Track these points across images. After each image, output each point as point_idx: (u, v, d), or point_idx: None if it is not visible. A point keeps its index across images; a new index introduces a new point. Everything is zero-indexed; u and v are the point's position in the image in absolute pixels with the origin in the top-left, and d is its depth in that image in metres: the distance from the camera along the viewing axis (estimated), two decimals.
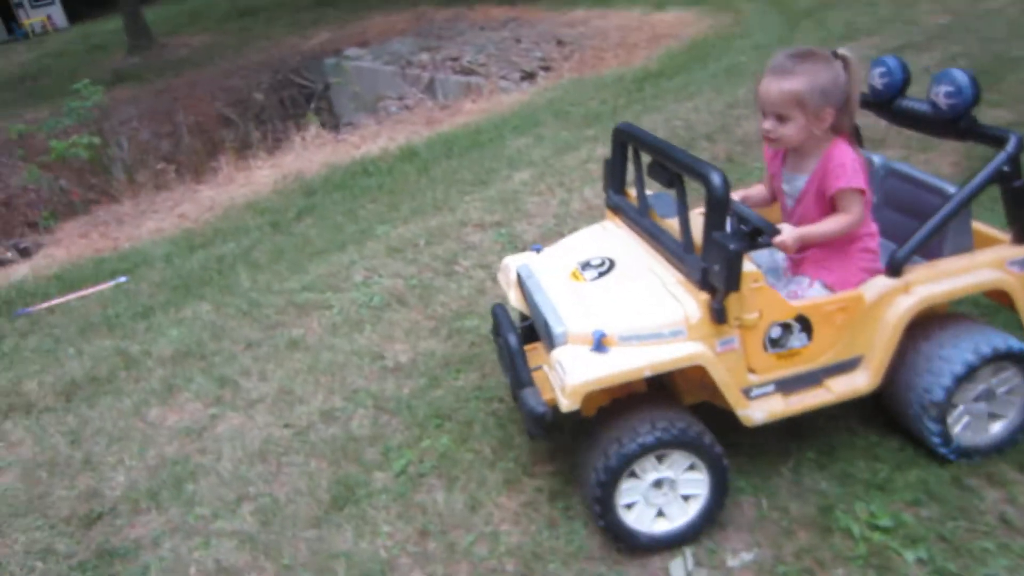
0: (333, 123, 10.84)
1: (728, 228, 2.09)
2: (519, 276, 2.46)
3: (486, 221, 4.37)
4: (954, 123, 2.21)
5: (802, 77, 2.10)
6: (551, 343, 2.12)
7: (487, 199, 4.69)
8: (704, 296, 2.01)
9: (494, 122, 6.23)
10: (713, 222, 1.93)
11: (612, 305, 2.11)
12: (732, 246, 1.87)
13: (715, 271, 1.93)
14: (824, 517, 2.14)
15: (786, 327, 2.10)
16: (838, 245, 2.22)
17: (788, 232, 2.11)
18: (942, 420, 2.16)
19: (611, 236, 2.47)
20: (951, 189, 2.24)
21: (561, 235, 3.90)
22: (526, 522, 2.28)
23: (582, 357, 2.01)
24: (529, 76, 8.96)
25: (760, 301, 2.02)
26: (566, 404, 1.94)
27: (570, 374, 1.96)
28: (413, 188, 5.11)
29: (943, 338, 2.19)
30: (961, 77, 2.15)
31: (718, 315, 2.00)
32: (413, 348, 3.24)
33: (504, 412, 2.75)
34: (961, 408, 2.19)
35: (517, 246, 3.98)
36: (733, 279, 1.92)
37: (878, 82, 2.44)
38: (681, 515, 2.10)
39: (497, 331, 2.42)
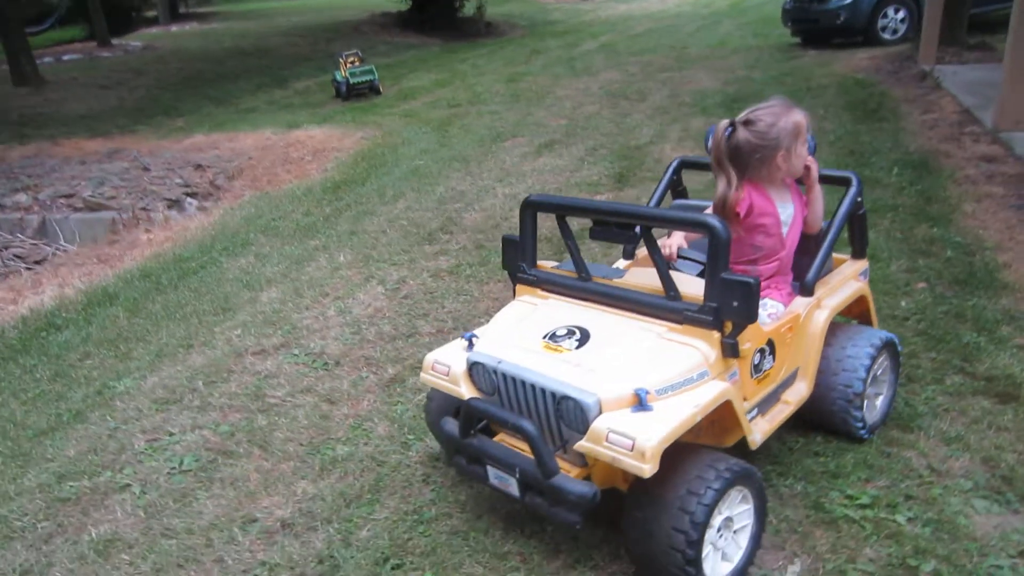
0: None
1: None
2: (480, 365, 2.22)
3: (265, 346, 3.81)
4: None
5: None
6: (577, 418, 1.97)
7: (244, 324, 4.09)
8: (716, 335, 2.07)
9: (193, 248, 5.49)
10: (719, 264, 2.03)
11: (626, 365, 2.05)
12: (751, 281, 1.99)
13: (734, 307, 2.02)
14: (820, 512, 2.31)
15: (762, 352, 2.26)
16: (783, 270, 2.49)
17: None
18: (861, 407, 2.52)
19: (553, 308, 2.38)
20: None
21: (369, 342, 3.65)
22: None
23: (635, 419, 1.91)
24: (175, 203, 8.16)
25: (747, 331, 2.14)
26: (648, 468, 1.83)
27: (642, 436, 1.85)
28: (137, 331, 4.21)
29: (842, 342, 2.57)
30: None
31: (732, 350, 2.08)
32: (287, 499, 2.64)
33: (468, 520, 2.40)
34: (870, 393, 2.60)
35: (329, 364, 3.55)
36: (755, 312, 2.03)
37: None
38: (737, 551, 2.07)
39: (467, 430, 2.16)
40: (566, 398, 1.99)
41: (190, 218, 6.56)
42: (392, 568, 2.26)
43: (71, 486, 2.87)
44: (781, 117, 2.38)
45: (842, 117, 7.55)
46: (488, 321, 2.52)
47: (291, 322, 4.05)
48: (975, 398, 2.80)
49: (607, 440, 1.90)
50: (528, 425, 2.01)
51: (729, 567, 2.04)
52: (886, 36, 12.49)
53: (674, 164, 3.07)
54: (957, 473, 2.43)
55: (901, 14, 12.56)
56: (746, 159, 2.37)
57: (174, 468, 2.90)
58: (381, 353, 3.60)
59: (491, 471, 2.17)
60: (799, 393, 2.45)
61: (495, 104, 10.15)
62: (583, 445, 1.96)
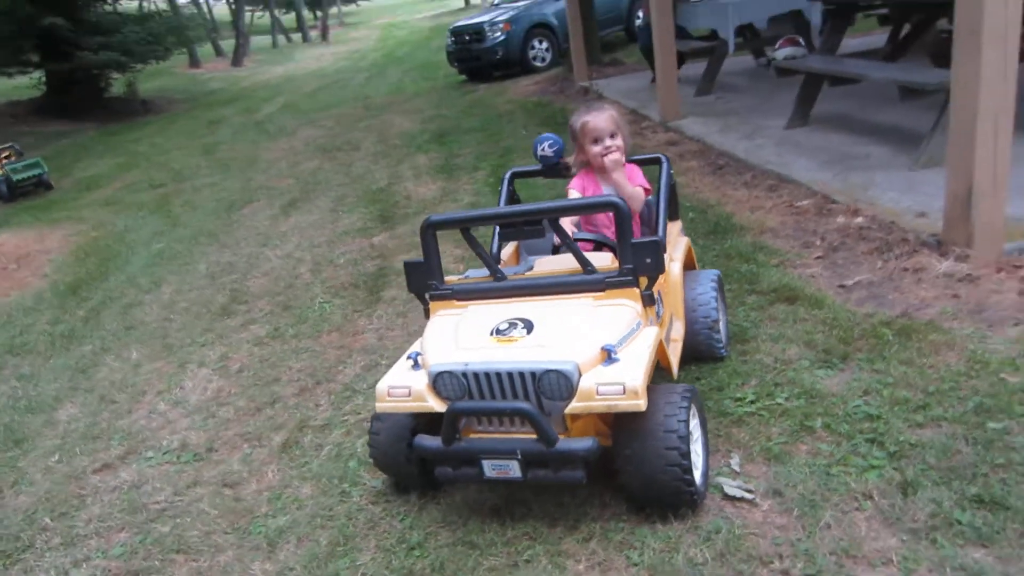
0: None
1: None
2: (446, 373, 2.33)
3: (106, 460, 3.36)
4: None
5: (610, 109, 2.96)
6: (561, 387, 2.22)
7: (58, 448, 3.54)
8: (637, 291, 2.45)
9: None
10: (627, 233, 2.42)
11: (581, 333, 2.32)
12: (657, 239, 2.44)
13: (647, 264, 2.41)
14: (726, 417, 2.81)
15: (657, 301, 2.66)
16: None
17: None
18: (719, 331, 3.10)
19: (481, 311, 2.55)
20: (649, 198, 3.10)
21: (232, 421, 3.47)
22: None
23: (612, 370, 2.23)
24: None
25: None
26: (643, 403, 2.16)
27: (628, 379, 2.17)
28: None
29: (690, 284, 3.11)
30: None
31: (651, 299, 2.49)
32: None
33: (458, 527, 2.46)
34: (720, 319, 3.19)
35: (200, 453, 3.27)
36: (663, 263, 2.46)
37: (548, 151, 3.19)
38: (698, 459, 2.43)
39: (452, 436, 2.30)
40: (547, 372, 2.21)
41: None
42: None
43: None
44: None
45: (543, 131, 8.58)
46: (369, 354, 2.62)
47: (119, 430, 3.62)
48: (774, 306, 3.56)
49: (598, 393, 2.16)
50: (526, 405, 2.20)
51: (699, 472, 2.42)
52: (537, 64, 14.32)
53: (508, 176, 3.41)
54: (795, 358, 3.11)
55: (545, 45, 14.50)
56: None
57: None
58: (254, 427, 3.41)
59: (486, 465, 2.29)
60: (679, 331, 2.95)
61: (206, 177, 9.67)
62: (575, 407, 2.20)
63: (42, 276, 6.44)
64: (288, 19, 48.24)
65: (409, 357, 2.51)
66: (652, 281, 2.47)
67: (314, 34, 41.31)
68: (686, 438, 2.25)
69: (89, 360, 4.50)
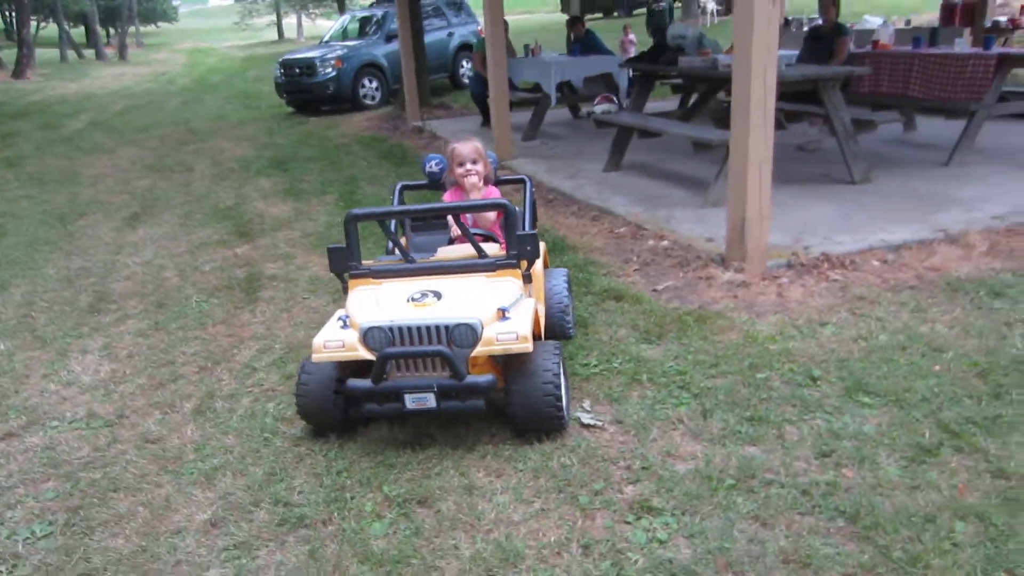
0: None
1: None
2: (375, 328, 2.91)
3: (10, 429, 3.50)
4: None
5: (476, 142, 3.70)
6: (469, 337, 2.90)
7: None
8: (519, 271, 3.23)
9: None
10: (513, 227, 3.19)
11: (480, 300, 3.02)
12: (535, 232, 3.25)
13: (528, 251, 3.16)
14: (579, 376, 3.64)
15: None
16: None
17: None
18: (569, 315, 3.95)
19: (396, 285, 3.17)
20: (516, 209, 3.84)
21: (134, 395, 3.74)
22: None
23: (507, 324, 2.93)
24: None
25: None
26: (530, 346, 2.89)
27: (520, 328, 2.90)
28: None
29: (548, 277, 3.90)
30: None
31: (529, 278, 3.30)
32: (203, 505, 2.84)
33: (383, 450, 3.03)
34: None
35: (112, 420, 3.53)
36: (538, 251, 3.23)
37: (435, 168, 3.97)
38: (565, 398, 3.17)
39: (380, 377, 2.92)
40: (459, 325, 2.88)
41: None
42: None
43: None
44: (447, 145, 3.78)
45: (383, 164, 9.25)
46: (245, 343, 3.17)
47: (11, 407, 3.74)
48: (605, 302, 4.50)
49: (497, 340, 2.86)
50: (442, 347, 2.87)
51: (565, 405, 3.14)
52: (367, 102, 14.99)
53: (398, 188, 4.08)
54: (624, 337, 4.03)
55: (375, 83, 15.21)
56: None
57: (30, 538, 2.75)
58: (161, 398, 3.72)
59: (408, 398, 2.91)
60: (542, 312, 3.74)
61: (18, 190, 9.22)
62: (480, 351, 2.88)
63: None
64: (77, 33, 44.87)
65: (339, 319, 3.07)
66: (531, 264, 3.26)
67: (110, 52, 38.89)
68: (559, 375, 3.03)
69: None
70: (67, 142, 12.97)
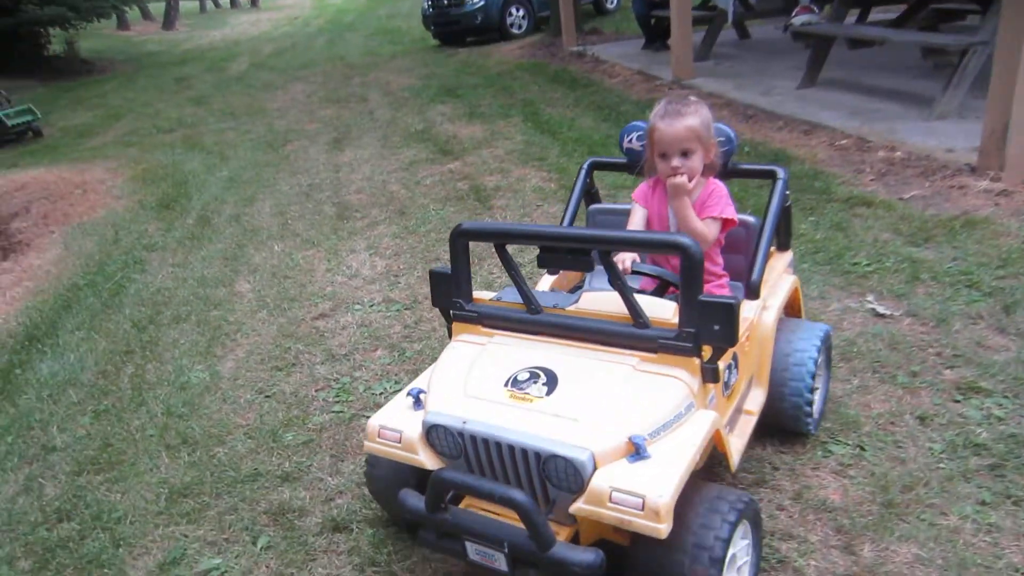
0: None
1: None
2: (440, 427, 1.95)
3: (322, 310, 3.90)
4: (724, 166, 2.51)
5: (695, 115, 2.27)
6: (568, 478, 1.79)
7: (264, 306, 4.05)
8: (696, 361, 1.92)
9: (92, 273, 4.83)
10: (694, 286, 1.85)
11: (611, 409, 1.85)
12: (733, 301, 1.81)
13: (715, 331, 1.84)
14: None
15: (728, 367, 2.12)
16: (713, 281, 2.39)
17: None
18: (811, 405, 2.47)
19: (504, 347, 2.13)
20: (752, 220, 2.51)
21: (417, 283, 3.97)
22: None
23: (636, 469, 1.75)
24: None
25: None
26: (665, 528, 1.65)
27: (652, 493, 1.67)
28: (159, 343, 3.84)
29: (786, 337, 2.47)
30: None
31: (713, 375, 1.93)
32: None
33: None
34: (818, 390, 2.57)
35: (410, 304, 3.85)
36: (736, 334, 1.84)
37: (636, 144, 2.69)
38: None
39: (437, 504, 1.90)
40: (554, 457, 1.77)
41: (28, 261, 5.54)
42: None
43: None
44: (650, 115, 2.34)
45: (556, 87, 9.29)
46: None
47: (313, 293, 4.15)
48: (854, 209, 4.43)
49: (611, 500, 1.70)
50: (519, 496, 1.74)
51: None
52: (515, 31, 14.95)
53: (585, 167, 2.95)
54: (890, 239, 3.99)
55: (522, 12, 15.14)
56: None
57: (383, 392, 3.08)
58: None
59: (470, 547, 1.91)
60: (758, 401, 2.38)
61: (217, 123, 9.87)
62: (581, 508, 1.76)
63: (116, 199, 6.67)
64: None
65: (410, 394, 2.15)
66: (718, 353, 1.92)
67: (243, 0, 40.40)
68: (720, 561, 1.76)
69: (232, 252, 4.94)
70: (239, 81, 13.71)
